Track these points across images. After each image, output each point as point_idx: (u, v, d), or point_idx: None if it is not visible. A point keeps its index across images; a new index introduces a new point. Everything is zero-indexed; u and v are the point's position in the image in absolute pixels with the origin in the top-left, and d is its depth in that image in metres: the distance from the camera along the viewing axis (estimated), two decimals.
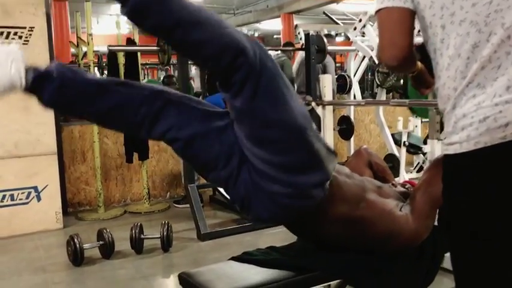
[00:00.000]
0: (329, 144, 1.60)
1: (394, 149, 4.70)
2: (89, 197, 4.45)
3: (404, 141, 3.61)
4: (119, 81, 1.56)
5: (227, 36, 1.35)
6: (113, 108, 1.47)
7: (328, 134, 2.68)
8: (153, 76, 15.64)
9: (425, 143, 4.87)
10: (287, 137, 1.41)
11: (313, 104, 2.57)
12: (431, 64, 1.13)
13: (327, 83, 2.58)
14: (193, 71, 7.61)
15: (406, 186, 1.97)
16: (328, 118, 2.63)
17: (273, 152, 1.43)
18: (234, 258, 1.77)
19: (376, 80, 4.89)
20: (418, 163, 4.91)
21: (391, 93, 6.64)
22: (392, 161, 4.66)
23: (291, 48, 5.54)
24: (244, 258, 1.76)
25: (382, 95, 4.82)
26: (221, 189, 4.48)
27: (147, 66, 14.45)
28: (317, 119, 4.62)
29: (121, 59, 4.43)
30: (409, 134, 5.31)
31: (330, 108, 2.67)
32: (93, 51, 4.21)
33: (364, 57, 5.98)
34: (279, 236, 3.58)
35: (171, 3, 1.32)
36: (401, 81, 4.67)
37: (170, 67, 11.16)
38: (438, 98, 1.06)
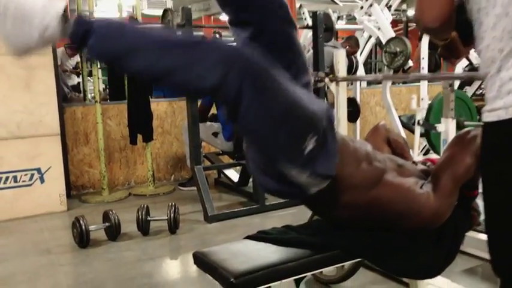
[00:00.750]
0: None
1: (402, 131, 4.63)
2: (93, 180, 4.39)
3: (418, 120, 3.53)
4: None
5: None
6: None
7: (342, 112, 2.60)
8: None
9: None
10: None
11: (327, 80, 2.50)
12: (465, 30, 1.06)
13: (340, 59, 2.50)
14: None
15: (427, 164, 1.91)
16: (342, 95, 2.55)
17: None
18: (249, 237, 1.72)
19: (384, 60, 4.81)
20: (425, 146, 4.85)
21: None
22: None
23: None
24: (260, 236, 1.70)
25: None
26: (226, 172, 4.43)
27: None
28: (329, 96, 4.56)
29: None
30: (412, 116, 5.25)
31: (343, 84, 2.59)
32: None
33: (369, 38, 5.89)
34: (287, 218, 3.54)
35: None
36: (410, 61, 4.59)
37: None
38: (481, 61, 0.99)
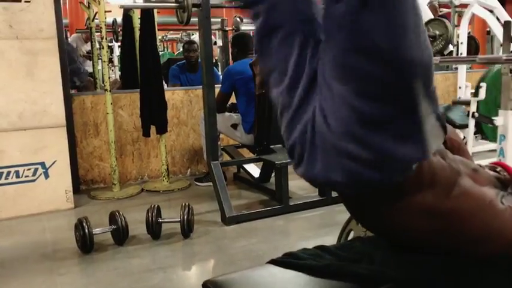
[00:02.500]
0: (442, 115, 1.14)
1: None
2: (103, 174, 4.09)
3: (473, 112, 3.08)
4: None
5: None
6: None
7: None
8: (172, 49, 15.20)
9: None
10: (389, 76, 0.96)
11: None
12: None
13: None
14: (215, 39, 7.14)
15: (498, 170, 1.52)
16: None
17: (361, 92, 0.98)
18: (274, 262, 1.35)
19: None
20: (464, 138, 4.40)
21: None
22: None
23: None
24: (288, 261, 1.33)
25: None
26: (246, 166, 4.08)
27: (166, 39, 14.05)
28: None
29: (136, 22, 4.02)
30: (450, 107, 4.80)
31: None
32: (105, 12, 3.76)
33: None
34: (314, 221, 3.18)
35: None
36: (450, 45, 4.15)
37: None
38: None
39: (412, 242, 1.23)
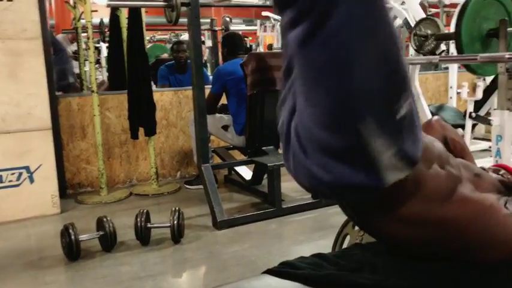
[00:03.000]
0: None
1: None
2: (91, 177, 3.99)
3: (470, 112, 3.02)
4: None
5: None
6: None
7: None
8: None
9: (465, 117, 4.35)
10: (335, 110, 0.88)
11: None
12: None
13: None
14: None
15: (501, 172, 1.46)
16: None
17: (316, 119, 0.91)
18: (269, 272, 1.28)
19: (412, 45, 4.34)
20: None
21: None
22: None
23: None
24: (284, 271, 1.26)
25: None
26: (238, 169, 4.00)
27: (155, 40, 13.93)
28: None
29: (123, 21, 3.93)
30: (441, 107, 4.78)
31: None
32: (91, 12, 3.67)
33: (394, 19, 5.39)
34: (308, 223, 3.11)
35: None
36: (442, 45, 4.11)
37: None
38: None
39: (409, 249, 1.18)
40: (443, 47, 4.11)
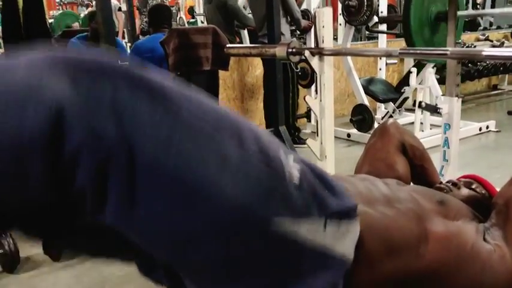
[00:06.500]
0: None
1: (365, 99, 4.04)
2: None
3: (420, 102, 2.84)
4: None
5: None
6: None
7: (328, 102, 1.88)
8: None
9: (396, 90, 4.27)
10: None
11: (307, 54, 1.74)
12: None
13: (326, 21, 1.73)
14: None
15: (473, 186, 1.26)
16: (328, 76, 1.81)
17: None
18: None
19: (342, 16, 4.14)
20: (387, 112, 4.28)
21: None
22: (363, 112, 4.02)
23: None
24: None
25: (349, 35, 4.06)
26: None
27: (65, 2, 12.80)
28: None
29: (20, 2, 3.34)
30: (372, 80, 4.65)
31: (329, 60, 1.85)
32: None
33: None
34: None
35: None
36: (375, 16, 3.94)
37: (92, 2, 9.76)
38: None
39: None
40: (375, 19, 3.94)
